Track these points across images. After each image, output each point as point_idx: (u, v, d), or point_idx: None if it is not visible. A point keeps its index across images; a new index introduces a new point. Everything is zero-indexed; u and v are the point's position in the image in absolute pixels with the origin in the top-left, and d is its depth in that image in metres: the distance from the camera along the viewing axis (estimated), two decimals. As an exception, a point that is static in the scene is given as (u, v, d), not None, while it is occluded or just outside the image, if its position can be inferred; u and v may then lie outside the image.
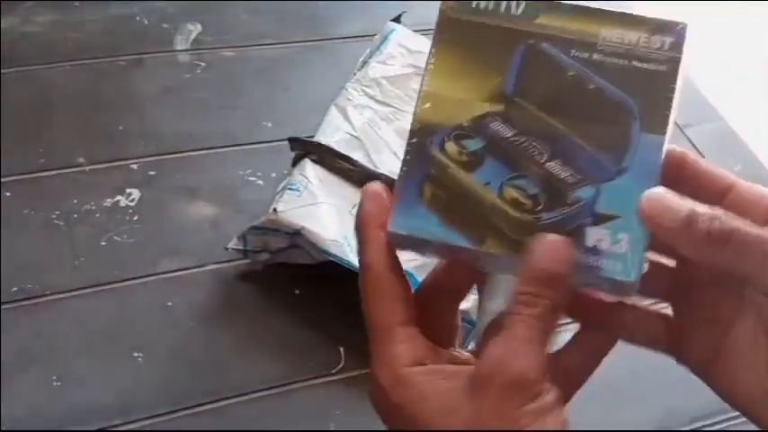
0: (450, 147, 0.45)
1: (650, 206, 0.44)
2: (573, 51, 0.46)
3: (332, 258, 0.72)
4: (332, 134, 0.80)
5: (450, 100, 0.46)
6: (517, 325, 0.43)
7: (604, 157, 0.45)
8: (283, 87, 0.93)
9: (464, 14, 0.46)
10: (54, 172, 0.82)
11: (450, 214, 0.45)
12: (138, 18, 0.98)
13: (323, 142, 0.78)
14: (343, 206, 0.75)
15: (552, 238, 0.43)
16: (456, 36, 0.46)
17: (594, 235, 0.45)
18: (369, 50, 0.88)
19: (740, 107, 1.29)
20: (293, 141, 0.79)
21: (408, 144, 0.45)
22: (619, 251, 0.45)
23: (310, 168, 0.77)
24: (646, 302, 0.52)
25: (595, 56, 0.45)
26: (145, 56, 0.94)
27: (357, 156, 0.79)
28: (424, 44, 0.88)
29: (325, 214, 0.74)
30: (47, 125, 0.85)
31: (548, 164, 0.45)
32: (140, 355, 0.71)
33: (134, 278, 0.75)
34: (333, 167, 0.78)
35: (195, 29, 0.98)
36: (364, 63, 0.87)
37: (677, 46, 0.46)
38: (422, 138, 0.45)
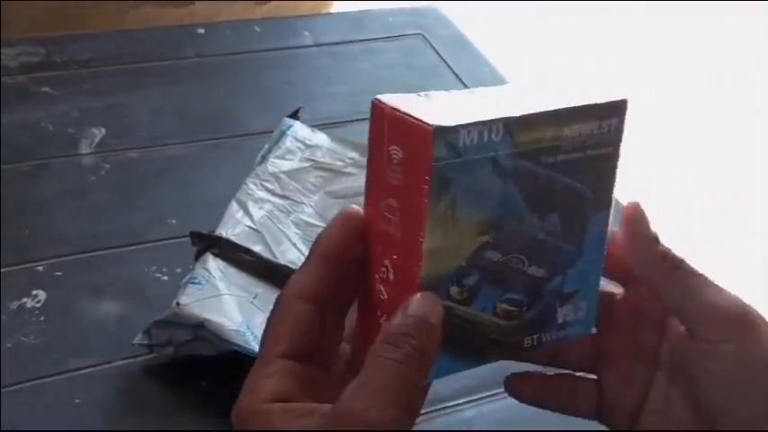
0: (453, 290, 0.46)
1: (636, 213, 0.51)
2: (542, 159, 0.46)
3: (235, 348, 0.74)
4: (232, 228, 0.82)
5: (450, 248, 0.45)
6: (376, 369, 0.42)
7: (567, 246, 0.49)
8: (186, 185, 0.96)
9: (451, 158, 0.43)
10: (-40, 277, 0.83)
11: (455, 346, 0.47)
12: (42, 124, 1.00)
13: (224, 236, 0.81)
14: (244, 297, 0.78)
15: (425, 294, 0.44)
16: (446, 185, 0.44)
17: (562, 313, 0.51)
18: (267, 146, 0.92)
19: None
20: (195, 236, 0.81)
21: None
22: (580, 317, 0.52)
23: (212, 262, 0.79)
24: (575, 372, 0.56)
25: (560, 157, 0.47)
26: (50, 160, 0.96)
27: (258, 248, 0.81)
28: (321, 138, 0.92)
29: (227, 305, 0.76)
30: (-48, 232, 0.86)
31: (528, 269, 0.48)
32: (49, 453, 0.72)
33: (41, 377, 0.76)
34: (234, 260, 0.80)
35: (99, 132, 1.00)
36: (263, 158, 0.90)
37: (620, 124, 0.49)
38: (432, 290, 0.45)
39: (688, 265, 0.51)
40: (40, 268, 0.85)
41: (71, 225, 0.90)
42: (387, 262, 0.46)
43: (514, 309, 0.48)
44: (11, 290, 0.82)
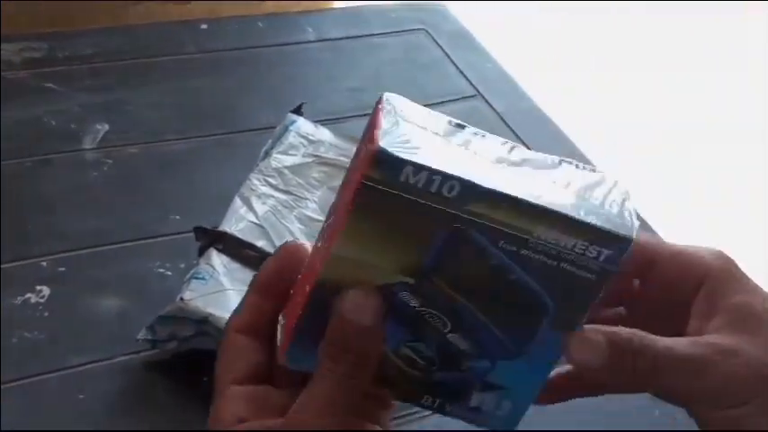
0: None
1: (575, 350, 0.46)
2: (501, 243, 0.43)
3: (239, 343, 0.74)
4: (236, 223, 0.82)
5: (361, 264, 0.44)
6: (320, 383, 0.44)
7: (507, 340, 0.46)
8: (189, 180, 0.96)
9: (388, 186, 0.42)
10: (-37, 273, 0.83)
11: None
12: (45, 120, 1.00)
13: (227, 231, 0.81)
14: (248, 292, 0.77)
15: (356, 291, 0.44)
16: (376, 205, 0.42)
17: (479, 398, 0.48)
18: (270, 141, 0.91)
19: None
20: (199, 232, 0.81)
21: (312, 295, 0.45)
22: (502, 414, 0.49)
23: (216, 257, 0.79)
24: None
25: (523, 251, 0.43)
26: (52, 156, 0.96)
27: (261, 243, 0.81)
28: (324, 134, 0.92)
29: (230, 301, 0.76)
30: (-45, 227, 0.86)
31: (449, 335, 0.46)
32: (52, 449, 0.72)
33: (45, 373, 0.76)
34: (238, 255, 0.80)
35: (102, 128, 1.00)
36: (266, 153, 0.90)
37: (613, 260, 0.44)
38: (325, 294, 0.45)
39: (660, 358, 0.46)
40: (44, 264, 0.85)
41: (74, 221, 0.90)
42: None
43: (419, 361, 0.47)
44: (14, 285, 0.82)
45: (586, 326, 0.46)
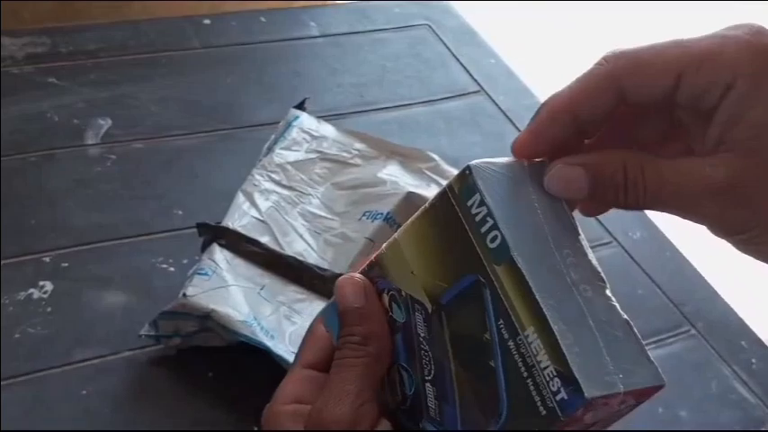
0: (384, 298, 0.48)
1: (551, 184, 0.44)
2: (500, 321, 0.42)
3: (242, 339, 0.74)
4: (239, 219, 0.82)
5: (404, 263, 0.46)
6: (336, 369, 0.47)
7: (461, 421, 0.45)
8: (192, 176, 0.96)
9: (457, 203, 0.43)
10: (-34, 268, 0.83)
11: None
12: (48, 115, 1.00)
13: (230, 227, 0.81)
14: (251, 288, 0.78)
15: (344, 278, 0.48)
16: (443, 217, 0.44)
17: None
18: (273, 137, 0.91)
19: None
20: (201, 227, 0.81)
21: (363, 270, 0.48)
22: None
23: (218, 253, 0.79)
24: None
25: (511, 342, 0.41)
26: (55, 151, 0.96)
27: (264, 239, 0.81)
28: (327, 130, 0.92)
29: (233, 296, 0.76)
30: (-42, 223, 0.86)
31: (426, 383, 0.46)
32: (56, 444, 0.72)
33: (48, 368, 0.76)
34: (241, 251, 0.80)
35: (105, 123, 1.00)
36: (269, 149, 0.90)
37: (564, 406, 0.40)
38: (372, 274, 0.48)
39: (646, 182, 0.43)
40: (47, 259, 0.85)
41: (77, 216, 0.90)
42: None
43: (399, 391, 0.48)
44: (17, 280, 0.82)
45: (570, 156, 0.44)
